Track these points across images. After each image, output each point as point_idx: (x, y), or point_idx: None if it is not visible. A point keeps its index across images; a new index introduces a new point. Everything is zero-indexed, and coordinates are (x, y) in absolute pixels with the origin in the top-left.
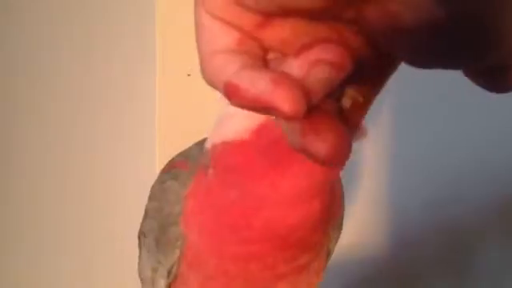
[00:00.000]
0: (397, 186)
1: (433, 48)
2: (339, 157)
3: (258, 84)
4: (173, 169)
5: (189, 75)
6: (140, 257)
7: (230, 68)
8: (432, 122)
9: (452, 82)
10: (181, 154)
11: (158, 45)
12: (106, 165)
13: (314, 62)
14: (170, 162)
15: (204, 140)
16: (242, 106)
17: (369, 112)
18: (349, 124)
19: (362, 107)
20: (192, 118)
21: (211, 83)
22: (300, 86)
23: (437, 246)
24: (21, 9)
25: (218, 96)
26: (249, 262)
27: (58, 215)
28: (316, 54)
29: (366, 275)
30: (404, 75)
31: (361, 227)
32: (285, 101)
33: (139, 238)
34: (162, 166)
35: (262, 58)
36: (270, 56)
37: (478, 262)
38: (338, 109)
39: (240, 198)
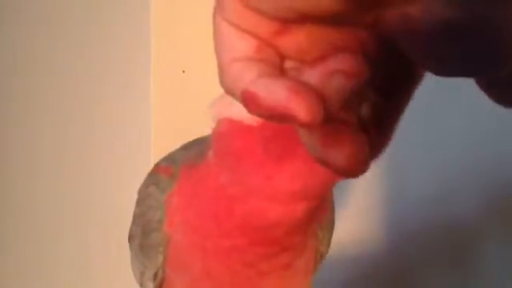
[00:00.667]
0: (394, 182)
1: (451, 54)
2: (357, 168)
3: (274, 92)
4: (155, 174)
5: (183, 72)
6: (131, 259)
7: (248, 76)
8: (429, 119)
9: (450, 79)
10: (165, 159)
11: (152, 41)
12: (100, 162)
13: (330, 72)
14: (155, 165)
15: (191, 143)
16: (260, 114)
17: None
18: (369, 133)
19: (384, 116)
20: (187, 115)
21: (229, 90)
22: (317, 94)
23: (434, 242)
24: (16, 7)
25: (212, 93)
26: (230, 258)
27: (53, 214)
28: (332, 64)
29: (363, 272)
30: None
31: (357, 224)
32: (301, 108)
33: (129, 240)
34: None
35: (279, 65)
36: (287, 64)
37: (477, 259)
38: (357, 119)
39: (230, 182)
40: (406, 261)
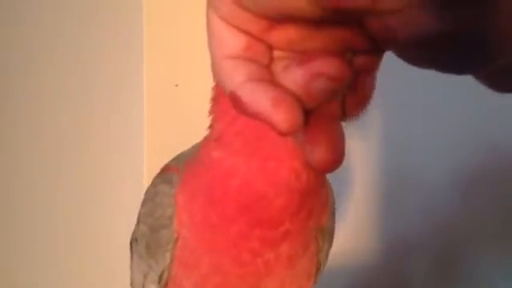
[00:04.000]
0: (390, 191)
1: (431, 56)
2: (332, 165)
3: (258, 101)
4: (165, 172)
5: (176, 85)
6: (131, 264)
7: (236, 78)
8: (425, 125)
9: (447, 85)
10: (174, 159)
11: (145, 56)
12: (95, 172)
13: (316, 75)
14: (163, 166)
15: (197, 144)
16: (245, 115)
17: (361, 118)
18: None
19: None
20: (180, 128)
21: (221, 84)
22: (297, 104)
23: (430, 250)
24: (12, 9)
25: (205, 105)
26: (237, 247)
27: (47, 224)
28: (318, 66)
29: (360, 281)
30: (396, 77)
31: (355, 233)
32: (281, 119)
33: (131, 244)
34: (150, 174)
35: (267, 61)
36: (276, 54)
37: (475, 268)
38: (340, 105)
39: (216, 147)
40: (403, 271)
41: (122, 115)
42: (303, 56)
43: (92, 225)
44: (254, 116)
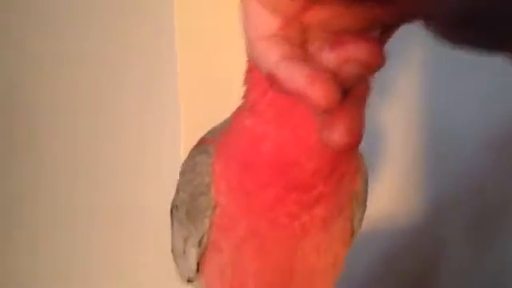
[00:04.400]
0: (426, 153)
1: (465, 35)
2: (347, 147)
3: (295, 78)
4: (201, 144)
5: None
6: (172, 231)
7: (272, 57)
8: (458, 87)
9: (470, 76)
10: (208, 132)
11: (177, 31)
12: (131, 155)
13: (347, 59)
14: (199, 139)
15: (229, 118)
16: (283, 93)
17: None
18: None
19: None
20: (214, 99)
21: (256, 64)
22: (333, 80)
23: (467, 211)
24: (40, 14)
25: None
26: (274, 211)
27: (85, 201)
28: (350, 50)
29: (397, 243)
30: (432, 66)
31: (391, 196)
32: (319, 97)
33: (171, 212)
34: (187, 145)
35: (302, 41)
36: (311, 34)
37: (509, 226)
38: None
39: (249, 115)
40: (440, 233)
41: (156, 90)
42: (336, 38)
43: (132, 198)
44: (291, 93)
